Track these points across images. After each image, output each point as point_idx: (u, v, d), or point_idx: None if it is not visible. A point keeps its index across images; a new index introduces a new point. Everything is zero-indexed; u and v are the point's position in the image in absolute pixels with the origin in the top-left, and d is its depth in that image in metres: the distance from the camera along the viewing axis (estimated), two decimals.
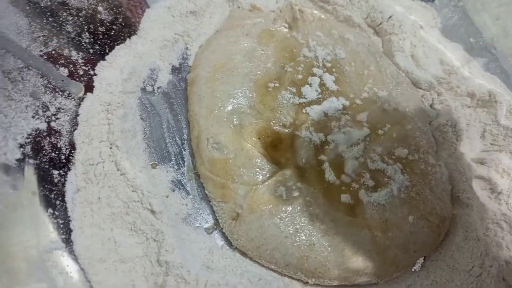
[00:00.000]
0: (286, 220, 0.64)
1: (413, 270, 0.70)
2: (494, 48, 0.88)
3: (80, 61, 0.71)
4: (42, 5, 0.67)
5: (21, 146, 0.60)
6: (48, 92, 0.66)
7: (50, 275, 0.54)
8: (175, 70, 0.81)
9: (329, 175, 0.69)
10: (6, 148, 0.58)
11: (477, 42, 0.92)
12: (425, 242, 0.68)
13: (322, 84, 0.77)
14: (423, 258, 0.71)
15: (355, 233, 0.65)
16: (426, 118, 0.81)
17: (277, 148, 0.71)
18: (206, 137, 0.70)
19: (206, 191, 0.69)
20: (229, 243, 0.67)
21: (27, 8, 0.65)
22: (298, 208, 0.65)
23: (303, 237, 0.64)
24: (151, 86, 0.77)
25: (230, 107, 0.72)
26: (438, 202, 0.70)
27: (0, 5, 0.62)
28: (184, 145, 0.74)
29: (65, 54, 0.69)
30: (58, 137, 0.65)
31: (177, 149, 0.74)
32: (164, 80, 0.79)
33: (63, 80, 0.68)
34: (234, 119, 0.72)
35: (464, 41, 0.91)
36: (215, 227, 0.69)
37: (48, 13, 0.68)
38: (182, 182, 0.71)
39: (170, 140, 0.74)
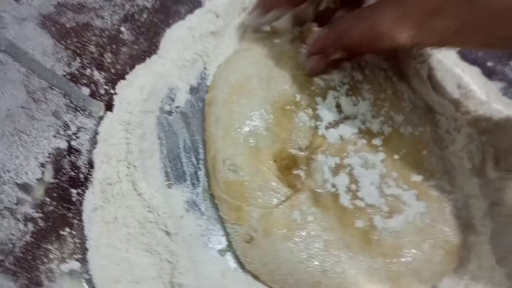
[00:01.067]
0: (300, 245, 0.64)
1: None
2: None
3: (101, 80, 0.73)
4: (68, 26, 0.69)
5: (42, 165, 0.61)
6: (70, 111, 0.67)
7: None
8: (193, 90, 0.82)
9: (344, 200, 0.69)
10: (28, 167, 0.59)
11: (495, 65, 0.91)
12: (439, 270, 0.68)
13: (338, 107, 0.77)
14: (435, 286, 0.70)
15: (369, 260, 0.65)
16: (442, 143, 0.80)
17: (292, 171, 0.71)
18: (222, 158, 0.71)
19: (220, 213, 0.70)
20: (241, 265, 0.67)
21: (53, 29, 0.67)
22: (313, 233, 0.65)
23: (317, 263, 0.64)
24: (169, 105, 0.79)
25: (247, 129, 0.72)
26: (452, 229, 0.70)
27: (27, 26, 0.64)
28: (199, 165, 0.75)
29: (87, 74, 0.71)
30: (77, 156, 0.66)
31: (192, 169, 0.74)
32: (182, 99, 0.80)
33: (84, 99, 0.69)
34: (251, 141, 0.72)
35: (482, 64, 0.91)
36: (228, 248, 0.69)
37: (73, 34, 0.70)
38: (197, 202, 0.72)
39: (186, 160, 0.75)
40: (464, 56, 0.91)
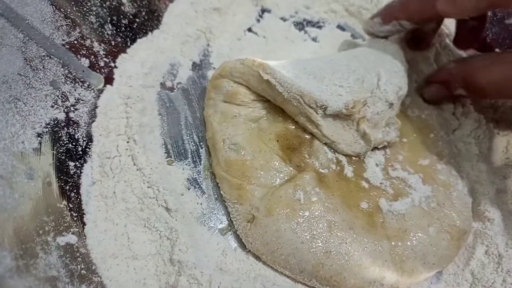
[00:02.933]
0: (303, 225, 0.63)
1: (430, 282, 0.68)
2: None
3: (101, 52, 0.70)
4: None
5: (39, 135, 0.59)
6: (68, 82, 0.65)
7: (64, 267, 0.53)
8: (196, 66, 0.80)
9: (349, 181, 0.67)
10: (24, 136, 0.57)
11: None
12: (444, 255, 0.66)
13: None
14: (441, 271, 0.69)
15: (373, 242, 0.63)
16: (449, 127, 0.79)
17: (296, 151, 0.70)
18: (222, 137, 0.69)
19: (221, 192, 0.68)
20: (243, 245, 0.66)
21: None
22: (316, 213, 0.64)
23: (320, 244, 0.62)
24: (171, 81, 0.77)
25: (246, 117, 0.71)
26: (459, 215, 0.68)
27: None
28: (201, 143, 0.73)
29: (87, 45, 0.69)
30: (75, 128, 0.64)
31: (194, 147, 0.72)
32: (184, 76, 0.78)
33: (83, 71, 0.67)
34: (252, 124, 0.70)
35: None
36: (229, 228, 0.67)
37: (73, 2, 0.67)
38: (198, 180, 0.70)
39: (188, 137, 0.73)
40: None
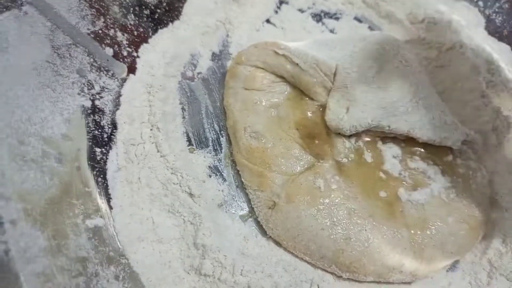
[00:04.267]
0: (324, 212, 0.64)
1: (447, 271, 0.69)
2: None
3: (124, 42, 0.72)
4: None
5: (67, 121, 0.60)
6: (93, 70, 0.66)
7: (94, 249, 0.54)
8: (215, 56, 0.81)
9: (367, 157, 0.68)
10: (53, 122, 0.58)
11: None
12: (463, 244, 0.67)
13: None
14: (458, 260, 0.69)
15: (392, 230, 0.64)
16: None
17: (315, 139, 0.71)
18: (243, 126, 0.70)
19: (242, 179, 0.69)
20: (263, 232, 0.67)
21: None
22: (336, 201, 0.64)
23: (340, 231, 0.63)
24: (191, 71, 0.78)
25: (266, 103, 0.72)
26: (477, 205, 0.69)
27: None
28: (221, 132, 0.74)
29: (111, 34, 0.70)
30: (101, 116, 0.66)
31: (215, 135, 0.74)
32: (204, 66, 0.79)
33: (108, 60, 0.68)
34: (272, 111, 0.72)
35: (507, 43, 0.89)
36: (250, 215, 0.68)
37: None
38: (219, 168, 0.71)
39: (208, 126, 0.74)
40: (491, 33, 0.90)
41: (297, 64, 0.69)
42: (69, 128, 0.60)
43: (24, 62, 0.56)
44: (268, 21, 0.87)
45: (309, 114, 0.72)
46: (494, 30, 0.90)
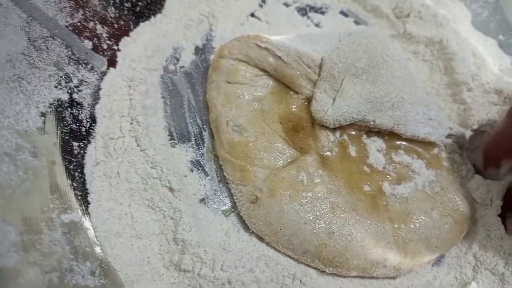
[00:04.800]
0: (306, 206, 0.63)
1: (432, 265, 0.68)
2: None
3: (104, 35, 0.71)
4: None
5: (43, 114, 0.59)
6: (71, 63, 0.65)
7: (69, 244, 0.53)
8: (199, 50, 0.80)
9: (352, 151, 0.67)
10: (28, 115, 0.57)
11: (506, 39, 0.89)
12: (447, 238, 0.66)
13: None
14: (443, 254, 0.69)
15: (376, 224, 0.64)
16: None
17: (299, 133, 0.70)
18: (226, 120, 0.69)
19: (224, 173, 0.68)
20: (245, 227, 0.66)
21: None
22: (319, 194, 0.64)
23: (323, 225, 0.62)
24: (174, 65, 0.77)
25: (249, 97, 0.71)
26: (462, 200, 0.69)
27: None
28: (204, 126, 0.73)
29: (90, 27, 0.69)
30: (79, 109, 0.64)
31: (197, 130, 0.73)
32: (187, 60, 0.78)
33: (87, 53, 0.67)
34: (255, 105, 0.71)
35: (493, 38, 0.89)
36: (232, 209, 0.68)
37: None
38: (201, 162, 0.70)
39: (191, 120, 0.73)
40: (476, 29, 0.90)
41: (280, 57, 0.69)
42: (45, 122, 0.59)
43: None
44: (252, 14, 0.86)
45: (293, 107, 0.72)
46: (480, 25, 0.90)
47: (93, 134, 0.64)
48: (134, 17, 0.75)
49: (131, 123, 0.66)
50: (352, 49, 0.70)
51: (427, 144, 0.72)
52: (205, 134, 0.73)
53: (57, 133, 0.60)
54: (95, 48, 0.69)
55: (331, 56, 0.68)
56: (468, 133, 0.76)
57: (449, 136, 0.73)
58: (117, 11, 0.73)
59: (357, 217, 0.64)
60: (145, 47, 0.73)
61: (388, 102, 0.69)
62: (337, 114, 0.67)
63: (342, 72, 0.68)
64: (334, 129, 0.70)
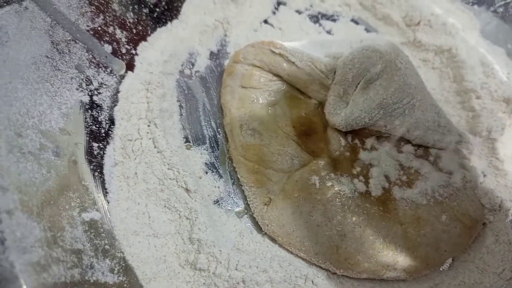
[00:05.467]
0: (319, 209, 0.64)
1: (441, 269, 0.69)
2: None
3: (123, 39, 0.72)
4: None
5: (65, 115, 0.61)
6: (92, 66, 0.67)
7: (89, 241, 0.54)
8: (213, 55, 0.81)
9: (358, 184, 0.68)
10: (51, 115, 0.59)
11: None
12: (456, 243, 0.67)
13: None
14: (452, 258, 0.70)
15: (387, 228, 0.65)
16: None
17: (311, 137, 0.71)
18: (240, 123, 0.70)
19: (238, 176, 0.69)
20: (258, 228, 0.67)
21: None
22: (331, 198, 0.65)
23: (335, 227, 0.64)
24: (189, 69, 0.78)
25: (263, 101, 0.73)
26: (471, 204, 0.69)
27: None
28: (218, 129, 0.75)
29: (110, 32, 0.70)
30: (99, 111, 0.66)
31: (211, 133, 0.74)
32: (202, 64, 0.80)
33: (106, 57, 0.69)
34: (269, 109, 0.72)
35: (502, 47, 0.90)
36: (245, 211, 0.69)
37: None
38: (215, 165, 0.71)
39: (205, 124, 0.75)
40: (485, 38, 0.91)
41: (293, 62, 0.71)
42: (67, 123, 0.61)
43: (24, 56, 0.57)
44: (266, 21, 0.88)
45: (306, 112, 0.73)
46: (489, 33, 0.92)
47: (112, 135, 0.66)
48: (151, 23, 0.77)
49: (148, 125, 0.67)
50: (366, 55, 0.71)
51: (437, 150, 0.73)
52: (220, 137, 0.74)
53: (78, 133, 0.62)
54: (114, 52, 0.71)
55: (346, 61, 0.70)
56: (477, 140, 0.77)
57: (458, 142, 0.74)
58: (136, 17, 0.75)
59: (368, 220, 0.65)
60: (162, 51, 0.75)
61: (400, 108, 0.70)
62: (350, 118, 0.68)
63: (356, 77, 0.69)
64: (346, 133, 0.72)
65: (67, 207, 0.55)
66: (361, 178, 0.69)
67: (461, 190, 0.71)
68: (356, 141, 0.72)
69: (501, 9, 0.93)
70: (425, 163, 0.72)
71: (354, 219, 0.64)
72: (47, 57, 0.60)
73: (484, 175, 0.77)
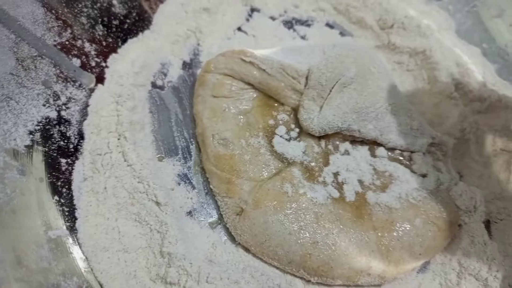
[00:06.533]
0: (291, 217, 0.64)
1: (417, 272, 0.69)
2: (507, 54, 0.87)
3: (92, 52, 0.72)
4: None
5: (31, 133, 0.61)
6: (60, 81, 0.67)
7: (56, 260, 0.54)
8: (186, 65, 0.81)
9: (331, 190, 0.68)
10: (16, 133, 0.58)
11: (490, 48, 0.91)
12: (431, 246, 0.67)
13: None
14: (428, 261, 0.70)
15: (360, 233, 0.65)
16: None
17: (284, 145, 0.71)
18: (212, 133, 0.70)
19: (211, 186, 0.69)
20: (232, 238, 0.67)
21: None
22: (304, 205, 0.65)
23: (307, 235, 0.63)
24: (161, 80, 0.78)
25: (235, 110, 0.72)
26: (445, 207, 0.69)
27: None
28: (191, 140, 0.75)
29: (78, 45, 0.70)
30: (67, 126, 0.66)
31: (184, 143, 0.74)
32: (175, 75, 0.80)
33: (75, 71, 0.69)
34: (241, 118, 0.72)
35: (477, 46, 0.90)
36: (219, 222, 0.69)
37: (64, 4, 0.69)
38: (188, 176, 0.71)
39: (178, 134, 0.75)
40: (460, 38, 0.91)
41: (264, 70, 0.71)
42: (33, 140, 0.60)
43: None
44: (239, 29, 0.88)
45: (278, 119, 0.73)
46: (464, 34, 0.92)
47: (81, 150, 0.66)
48: (122, 34, 0.77)
49: (118, 139, 0.67)
50: (339, 60, 0.71)
51: (410, 153, 0.73)
52: (192, 148, 0.74)
53: (44, 150, 0.62)
54: (83, 66, 0.70)
55: (319, 66, 0.70)
56: (451, 141, 0.77)
57: (432, 144, 0.74)
58: (105, 29, 0.74)
59: (341, 226, 0.65)
60: (133, 63, 0.75)
61: (373, 112, 0.70)
62: (322, 122, 0.68)
63: (330, 81, 0.69)
64: (319, 139, 0.72)
65: (32, 226, 0.54)
66: (334, 184, 0.69)
67: (434, 192, 0.71)
68: (330, 146, 0.72)
69: (475, 9, 0.93)
70: (399, 166, 0.72)
71: (326, 226, 0.64)
72: (12, 74, 0.60)
73: (461, 176, 0.77)
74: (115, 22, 0.76)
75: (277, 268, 0.65)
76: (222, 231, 0.68)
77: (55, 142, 0.63)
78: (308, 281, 0.65)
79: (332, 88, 0.70)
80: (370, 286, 0.67)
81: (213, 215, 0.69)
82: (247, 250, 0.66)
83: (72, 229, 0.59)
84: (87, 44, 0.72)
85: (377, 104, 0.71)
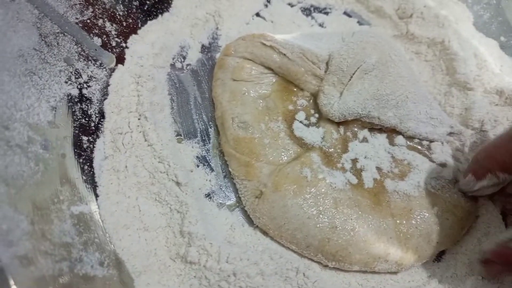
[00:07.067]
0: (310, 201, 0.64)
1: (433, 261, 0.69)
2: None
3: (113, 32, 0.72)
4: None
5: (53, 108, 0.61)
6: (81, 59, 0.66)
7: (78, 235, 0.54)
8: (205, 48, 0.81)
9: (350, 176, 0.68)
10: (39, 108, 0.58)
11: (508, 40, 0.90)
12: (448, 235, 0.67)
13: None
14: (443, 251, 0.70)
15: (378, 220, 0.65)
16: None
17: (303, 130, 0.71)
18: (231, 116, 0.70)
19: (230, 169, 0.69)
20: (250, 221, 0.67)
21: None
22: (323, 190, 0.65)
23: (326, 220, 0.63)
24: (181, 62, 0.78)
25: (254, 94, 0.72)
26: (464, 196, 0.69)
27: None
28: (210, 123, 0.75)
29: (99, 24, 0.70)
30: (88, 105, 0.66)
31: (203, 126, 0.74)
32: (194, 57, 0.79)
33: (96, 50, 0.69)
34: (260, 102, 0.72)
35: (495, 39, 0.90)
36: (237, 204, 0.69)
37: None
38: (207, 158, 0.71)
39: (197, 117, 0.75)
40: (478, 30, 0.91)
41: (285, 54, 0.70)
42: (55, 116, 0.60)
43: (11, 48, 0.56)
44: (257, 14, 0.87)
45: (298, 104, 0.73)
46: (481, 26, 0.91)
47: (102, 129, 0.66)
48: (142, 15, 0.77)
49: (139, 119, 0.67)
50: (361, 46, 0.71)
51: (429, 142, 0.73)
52: (211, 131, 0.74)
53: (67, 127, 0.61)
54: (104, 45, 0.70)
55: (340, 51, 0.70)
56: (469, 132, 0.77)
57: (450, 134, 0.74)
58: (126, 9, 0.74)
59: (360, 212, 0.65)
60: (153, 44, 0.75)
61: (393, 100, 0.70)
62: (343, 108, 0.68)
63: (351, 67, 0.69)
64: (338, 125, 0.72)
65: (55, 201, 0.54)
66: (353, 170, 0.69)
67: (453, 182, 0.71)
68: (348, 133, 0.72)
69: (493, 1, 0.93)
70: (417, 155, 0.72)
71: (345, 211, 0.64)
72: (35, 49, 0.60)
73: None
74: (136, 3, 0.76)
75: (295, 252, 0.65)
76: (240, 214, 0.68)
77: (76, 119, 0.63)
78: (326, 266, 0.65)
79: (353, 74, 0.70)
80: (386, 273, 0.67)
81: (231, 198, 0.69)
82: (265, 233, 0.66)
83: (94, 206, 0.59)
84: (108, 24, 0.71)
85: (398, 92, 0.71)
